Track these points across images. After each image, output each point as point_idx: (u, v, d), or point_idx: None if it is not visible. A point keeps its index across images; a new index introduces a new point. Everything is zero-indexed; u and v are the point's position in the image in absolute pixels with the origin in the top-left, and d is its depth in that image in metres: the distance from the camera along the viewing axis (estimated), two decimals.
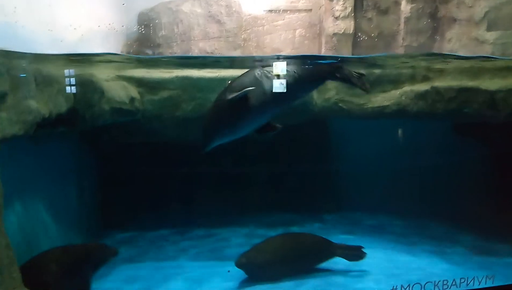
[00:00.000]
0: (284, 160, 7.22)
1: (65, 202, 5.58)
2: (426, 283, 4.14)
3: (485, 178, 6.69)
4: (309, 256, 5.08)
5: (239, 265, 4.71)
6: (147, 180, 6.57)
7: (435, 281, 4.13)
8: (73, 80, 4.73)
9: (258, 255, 4.78)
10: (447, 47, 7.60)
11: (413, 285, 4.12)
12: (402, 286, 4.12)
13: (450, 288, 4.16)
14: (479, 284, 4.22)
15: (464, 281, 4.18)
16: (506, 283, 4.42)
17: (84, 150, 6.25)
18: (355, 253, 5.07)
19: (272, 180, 7.27)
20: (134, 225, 6.78)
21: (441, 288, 4.13)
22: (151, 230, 6.76)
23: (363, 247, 5.08)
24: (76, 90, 4.74)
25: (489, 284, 4.25)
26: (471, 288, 4.17)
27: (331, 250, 5.10)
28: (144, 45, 7.57)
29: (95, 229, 6.45)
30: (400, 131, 7.34)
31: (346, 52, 7.84)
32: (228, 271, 4.99)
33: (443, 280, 4.14)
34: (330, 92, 6.49)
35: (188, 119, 5.85)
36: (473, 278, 4.23)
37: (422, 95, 6.06)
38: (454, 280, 4.17)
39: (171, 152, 6.46)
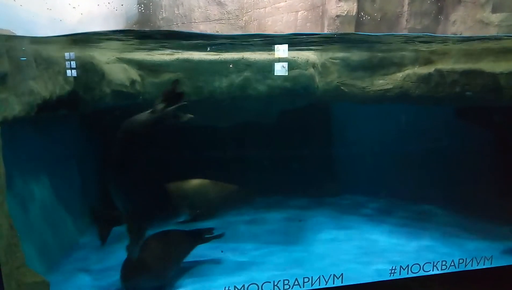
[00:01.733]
0: (286, 144, 7.21)
1: (67, 185, 5.62)
2: (425, 263, 4.20)
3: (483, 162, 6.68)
4: (180, 250, 4.92)
5: (123, 281, 4.36)
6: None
7: (433, 262, 4.19)
8: (73, 63, 4.70)
9: (136, 268, 4.39)
10: (452, 30, 7.49)
11: (412, 266, 4.18)
12: (401, 266, 4.17)
13: (448, 268, 4.21)
14: (477, 265, 4.27)
15: (463, 261, 4.23)
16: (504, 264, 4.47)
17: (86, 134, 6.26)
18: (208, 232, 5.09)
19: (274, 164, 7.28)
20: None
21: (439, 269, 4.18)
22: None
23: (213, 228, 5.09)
24: (77, 72, 4.72)
25: (488, 265, 4.30)
26: (469, 269, 4.22)
27: (194, 238, 5.03)
28: (144, 27, 7.49)
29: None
30: (401, 116, 7.29)
31: (349, 31, 7.73)
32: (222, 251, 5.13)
33: (442, 261, 4.19)
34: (332, 75, 6.44)
35: (189, 102, 5.83)
36: (472, 259, 4.28)
37: (425, 78, 6.02)
38: (452, 260, 4.22)
39: (171, 136, 6.45)
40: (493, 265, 4.32)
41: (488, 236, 5.59)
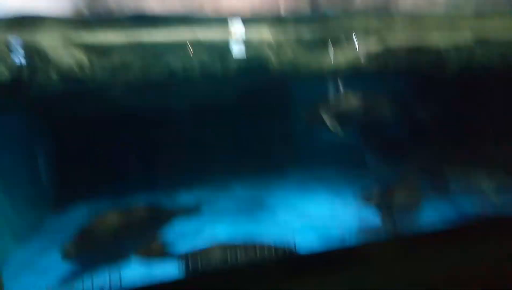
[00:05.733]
0: (243, 123, 7.26)
1: (15, 174, 5.44)
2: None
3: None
4: None
5: None
6: (100, 149, 6.45)
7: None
8: (15, 47, 4.51)
9: None
10: (402, 3, 7.65)
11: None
12: (351, 234, 4.40)
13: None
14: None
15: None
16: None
17: (34, 121, 6.04)
18: None
19: (229, 142, 7.32)
20: (88, 197, 6.70)
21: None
22: (107, 200, 6.68)
23: None
24: (20, 57, 4.53)
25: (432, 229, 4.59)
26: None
27: None
28: (92, 7, 7.15)
29: (47, 202, 6.38)
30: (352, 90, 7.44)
31: (304, 9, 7.71)
32: None
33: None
34: (287, 52, 6.47)
35: (140, 84, 5.73)
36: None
37: (374, 54, 6.18)
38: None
39: (124, 120, 6.34)
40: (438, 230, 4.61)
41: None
